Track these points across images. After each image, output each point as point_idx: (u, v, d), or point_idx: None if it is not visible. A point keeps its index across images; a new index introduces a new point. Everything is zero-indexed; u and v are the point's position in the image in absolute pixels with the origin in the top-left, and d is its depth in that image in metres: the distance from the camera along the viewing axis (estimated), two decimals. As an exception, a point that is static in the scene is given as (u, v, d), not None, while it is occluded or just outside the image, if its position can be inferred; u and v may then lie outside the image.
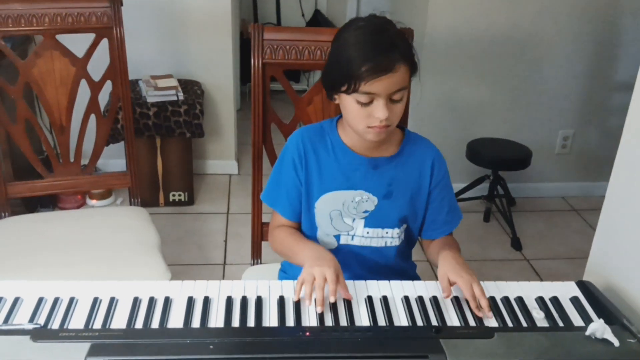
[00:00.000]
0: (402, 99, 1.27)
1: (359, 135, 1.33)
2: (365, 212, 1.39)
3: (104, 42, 1.92)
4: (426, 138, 1.46)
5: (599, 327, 1.12)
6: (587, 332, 1.12)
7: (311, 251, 1.32)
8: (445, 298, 1.25)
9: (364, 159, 1.38)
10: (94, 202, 3.14)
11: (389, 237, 1.42)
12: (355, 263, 1.44)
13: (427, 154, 1.42)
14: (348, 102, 1.28)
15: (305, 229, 1.46)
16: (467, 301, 1.23)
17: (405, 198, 1.41)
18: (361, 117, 1.27)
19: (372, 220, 1.40)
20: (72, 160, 2.01)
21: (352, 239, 1.42)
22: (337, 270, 1.25)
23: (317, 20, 4.58)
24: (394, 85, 1.23)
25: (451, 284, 1.27)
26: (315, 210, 1.42)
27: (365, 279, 1.32)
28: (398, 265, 1.48)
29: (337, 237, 1.43)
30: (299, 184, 1.42)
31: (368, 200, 1.38)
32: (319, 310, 1.18)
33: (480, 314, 1.21)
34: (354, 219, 1.40)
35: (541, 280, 2.76)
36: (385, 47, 1.22)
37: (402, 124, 1.45)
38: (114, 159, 3.10)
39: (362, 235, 1.42)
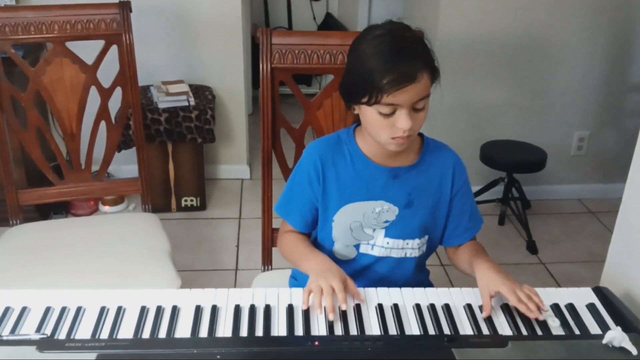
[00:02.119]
0: (425, 107, 1.24)
1: (380, 145, 1.30)
2: (386, 222, 1.37)
3: (114, 49, 1.92)
4: (445, 144, 1.43)
5: (616, 335, 1.09)
6: (604, 341, 1.09)
7: (316, 263, 1.30)
8: (485, 316, 1.21)
9: (384, 169, 1.35)
10: (106, 208, 3.15)
11: (409, 248, 1.40)
12: (372, 274, 1.42)
13: (448, 160, 1.40)
14: (369, 113, 1.24)
15: (322, 242, 1.44)
16: (507, 306, 1.22)
17: (427, 207, 1.38)
18: (383, 128, 1.24)
19: (393, 230, 1.38)
20: (83, 167, 2.01)
21: (372, 248, 1.40)
22: (343, 278, 1.24)
23: (329, 23, 4.57)
24: (417, 95, 1.20)
25: (494, 295, 1.24)
26: (334, 223, 1.39)
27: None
28: (414, 277, 1.45)
29: (357, 246, 1.41)
30: (313, 198, 1.39)
31: (389, 211, 1.36)
32: (331, 317, 1.16)
33: (532, 316, 1.18)
34: (374, 229, 1.38)
35: (557, 284, 2.72)
36: (406, 57, 1.18)
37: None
38: (126, 165, 3.10)
39: (382, 246, 1.39)
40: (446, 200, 1.40)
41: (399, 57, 1.18)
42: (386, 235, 1.38)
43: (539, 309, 1.20)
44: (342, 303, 1.17)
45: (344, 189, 1.37)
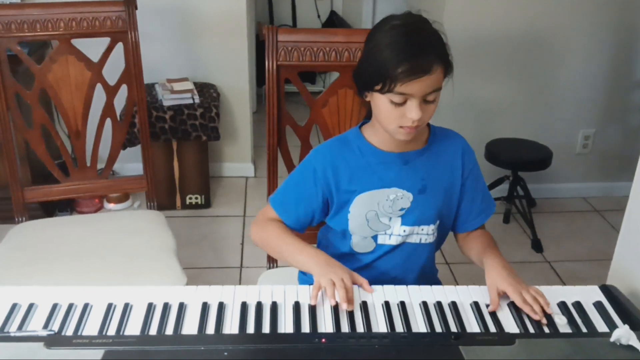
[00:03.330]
0: (436, 99, 1.25)
1: (389, 134, 1.31)
2: (402, 209, 1.36)
3: (119, 46, 1.92)
4: (451, 129, 1.44)
5: (623, 333, 1.08)
6: (612, 339, 1.09)
7: (320, 259, 1.31)
8: (491, 310, 1.23)
9: (393, 155, 1.36)
10: (111, 205, 3.15)
11: (424, 234, 1.40)
12: (387, 263, 1.42)
13: (456, 145, 1.41)
14: (381, 101, 1.26)
15: (339, 237, 1.43)
16: (514, 304, 1.23)
17: (439, 191, 1.39)
18: (394, 116, 1.25)
19: (409, 218, 1.37)
20: (88, 164, 2.01)
21: (390, 238, 1.39)
22: (350, 274, 1.27)
23: (333, 21, 4.56)
24: (429, 87, 1.22)
25: (500, 292, 1.24)
26: (350, 215, 1.39)
27: (397, 282, 1.31)
28: (428, 266, 1.46)
29: (375, 237, 1.40)
30: (313, 198, 1.39)
31: (403, 197, 1.36)
32: (344, 307, 1.18)
33: (536, 318, 1.19)
34: (390, 218, 1.38)
35: (563, 282, 2.71)
36: (422, 48, 1.20)
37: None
38: (131, 163, 3.10)
39: (399, 234, 1.38)
40: (458, 184, 1.41)
41: (414, 48, 1.20)
42: (403, 224, 1.38)
43: (544, 312, 1.20)
44: (350, 303, 1.19)
45: (357, 180, 1.37)
